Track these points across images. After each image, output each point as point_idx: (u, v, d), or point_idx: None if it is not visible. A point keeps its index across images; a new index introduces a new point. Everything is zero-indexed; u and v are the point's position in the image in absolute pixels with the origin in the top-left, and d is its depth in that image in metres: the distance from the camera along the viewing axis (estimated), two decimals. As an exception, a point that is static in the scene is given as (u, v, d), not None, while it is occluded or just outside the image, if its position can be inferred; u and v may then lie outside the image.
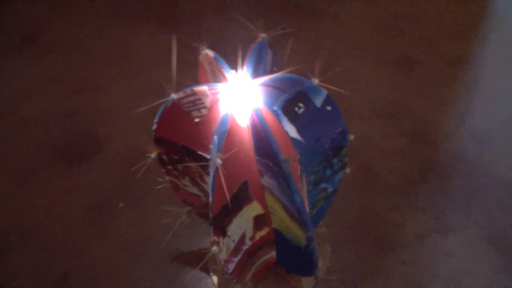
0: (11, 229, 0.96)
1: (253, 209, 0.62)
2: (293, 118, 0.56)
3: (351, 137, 0.63)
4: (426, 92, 1.32)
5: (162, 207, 0.81)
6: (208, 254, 0.62)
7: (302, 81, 0.54)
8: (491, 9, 1.79)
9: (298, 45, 1.51)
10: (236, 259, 0.66)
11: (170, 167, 0.67)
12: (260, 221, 0.64)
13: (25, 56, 1.55)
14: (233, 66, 0.58)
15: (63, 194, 1.03)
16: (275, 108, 0.54)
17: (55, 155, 1.14)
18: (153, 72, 1.41)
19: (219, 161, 0.49)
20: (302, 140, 0.57)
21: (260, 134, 0.52)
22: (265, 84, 0.56)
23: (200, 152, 0.61)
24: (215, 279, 0.83)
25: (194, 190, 0.69)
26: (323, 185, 0.66)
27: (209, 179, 0.54)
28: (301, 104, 0.55)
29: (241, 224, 0.62)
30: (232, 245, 0.63)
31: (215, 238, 0.59)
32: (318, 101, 0.56)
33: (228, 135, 0.51)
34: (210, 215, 0.56)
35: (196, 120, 0.58)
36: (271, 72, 0.65)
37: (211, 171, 0.53)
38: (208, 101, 0.56)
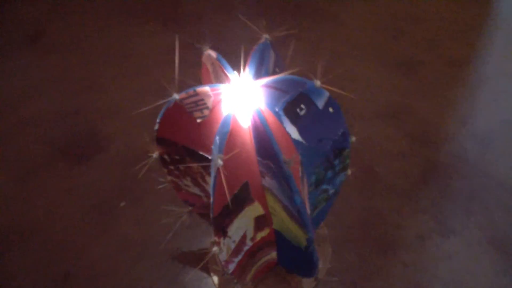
0: (11, 229, 0.96)
1: (254, 209, 0.62)
2: (295, 120, 0.56)
3: (353, 138, 0.63)
4: (427, 93, 1.32)
5: (163, 207, 0.81)
6: (208, 254, 0.62)
7: (304, 82, 0.54)
8: (493, 10, 1.79)
9: (299, 45, 1.51)
10: (236, 260, 0.66)
11: (171, 167, 0.67)
12: (261, 221, 0.64)
13: (26, 56, 1.55)
14: (236, 67, 0.58)
15: (64, 194, 1.03)
16: (277, 109, 0.54)
17: (56, 155, 1.14)
18: (153, 72, 1.41)
19: (220, 162, 0.50)
20: (303, 142, 0.57)
21: (262, 135, 0.52)
22: (267, 85, 0.56)
23: (201, 153, 0.61)
24: (215, 279, 0.83)
25: (196, 190, 0.69)
26: (324, 187, 0.67)
27: (210, 180, 0.55)
28: (303, 106, 0.55)
29: (242, 225, 0.62)
30: (233, 246, 0.63)
31: (216, 239, 0.59)
32: (320, 103, 0.56)
33: (230, 136, 0.51)
34: (211, 216, 0.56)
35: (198, 120, 0.58)
36: (273, 73, 0.65)
37: (213, 172, 0.53)
38: (210, 102, 0.56)
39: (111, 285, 0.84)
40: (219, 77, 0.61)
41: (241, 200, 0.58)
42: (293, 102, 0.55)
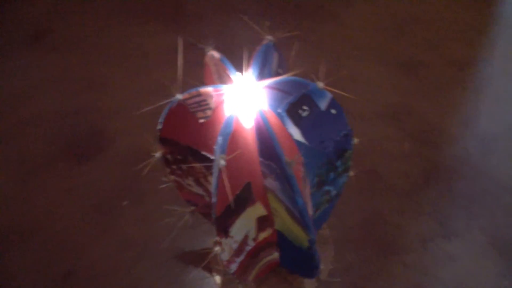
0: (11, 229, 0.95)
1: (256, 210, 0.62)
2: (298, 121, 0.56)
3: (355, 140, 0.63)
4: (430, 94, 1.32)
5: (165, 207, 0.81)
6: (210, 254, 0.62)
7: (307, 84, 0.55)
8: (495, 10, 1.79)
9: (302, 46, 1.51)
10: (238, 260, 0.66)
11: (174, 167, 0.67)
12: (263, 222, 0.64)
13: (26, 55, 1.55)
14: (239, 67, 0.58)
15: (64, 193, 1.03)
16: (279, 111, 0.55)
17: (56, 154, 1.14)
18: (154, 72, 1.41)
19: (222, 162, 0.50)
20: (306, 143, 0.57)
21: (264, 136, 0.52)
22: (270, 87, 0.56)
23: (204, 153, 0.61)
24: (217, 279, 0.83)
25: (198, 190, 0.69)
26: (326, 188, 0.67)
27: (213, 180, 0.55)
28: (305, 107, 0.56)
29: (244, 225, 0.62)
30: (235, 246, 0.63)
31: (218, 239, 0.59)
32: (323, 104, 0.56)
33: (232, 136, 0.51)
34: (213, 216, 0.56)
35: (201, 121, 0.58)
36: (277, 74, 0.65)
37: (215, 172, 0.53)
38: (213, 102, 0.56)
39: (113, 284, 0.84)
40: (222, 78, 0.61)
41: (243, 200, 0.59)
42: (295, 103, 0.55)
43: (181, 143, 0.62)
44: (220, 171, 0.50)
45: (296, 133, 0.56)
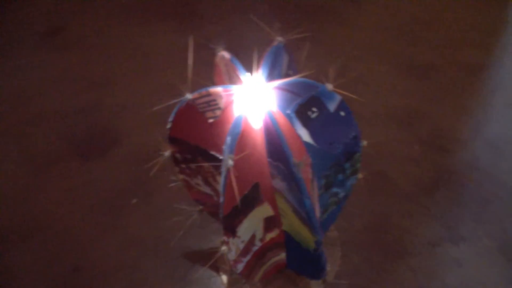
0: (21, 223, 0.97)
1: (264, 210, 0.62)
2: (306, 122, 0.56)
3: (364, 143, 0.63)
4: (440, 98, 1.31)
5: (174, 205, 0.82)
6: (217, 253, 0.62)
7: (316, 85, 0.55)
8: (508, 15, 1.77)
9: (313, 48, 1.50)
10: (245, 260, 0.66)
11: (183, 166, 0.67)
12: (270, 222, 0.64)
13: (43, 51, 1.57)
14: (249, 68, 0.58)
15: (74, 189, 1.04)
16: (288, 112, 0.55)
17: (68, 150, 1.15)
18: (167, 70, 1.42)
19: (231, 162, 0.50)
20: (314, 144, 0.57)
21: (273, 137, 0.52)
22: (280, 88, 0.56)
23: (213, 152, 0.62)
24: (224, 278, 0.84)
25: (206, 189, 0.70)
26: (334, 190, 0.67)
27: (221, 179, 0.55)
28: (314, 109, 0.56)
29: (252, 225, 0.62)
30: (242, 246, 0.63)
31: (225, 238, 0.59)
32: (332, 106, 0.56)
33: (241, 137, 0.52)
34: (221, 215, 0.56)
35: (210, 120, 0.58)
36: (286, 75, 0.66)
37: (223, 172, 0.54)
38: (222, 103, 0.56)
39: (120, 281, 0.85)
40: (232, 78, 0.62)
41: (251, 200, 0.59)
42: (305, 105, 0.55)
43: (190, 142, 0.63)
44: (228, 171, 0.51)
45: (304, 135, 0.56)
